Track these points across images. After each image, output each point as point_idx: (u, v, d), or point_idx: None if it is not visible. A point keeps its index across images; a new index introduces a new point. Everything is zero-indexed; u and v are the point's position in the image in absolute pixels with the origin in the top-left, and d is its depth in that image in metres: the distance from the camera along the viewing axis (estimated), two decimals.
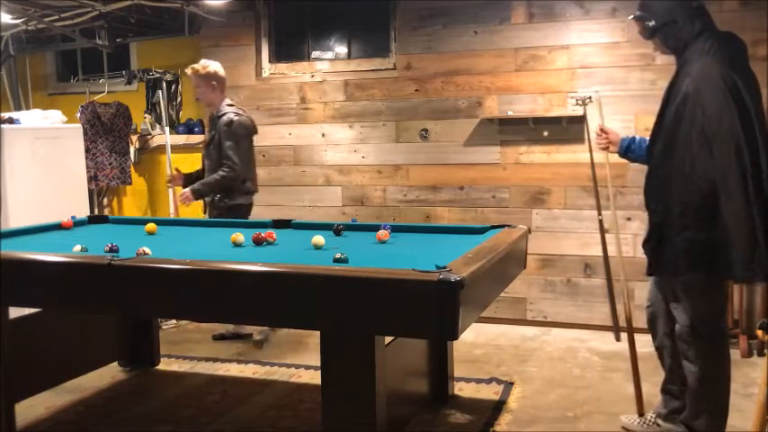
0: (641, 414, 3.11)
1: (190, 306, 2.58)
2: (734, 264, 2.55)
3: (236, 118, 4.35)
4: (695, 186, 2.60)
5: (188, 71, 4.46)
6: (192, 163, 5.91)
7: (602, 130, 3.15)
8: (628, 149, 3.05)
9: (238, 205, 4.40)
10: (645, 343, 3.76)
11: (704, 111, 2.58)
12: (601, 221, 3.43)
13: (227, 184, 4.34)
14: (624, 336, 3.41)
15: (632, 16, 2.86)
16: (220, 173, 4.30)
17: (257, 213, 5.38)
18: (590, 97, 3.51)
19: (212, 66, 4.46)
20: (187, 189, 4.36)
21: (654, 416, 3.03)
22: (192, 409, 3.43)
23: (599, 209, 3.45)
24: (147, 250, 2.76)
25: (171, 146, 5.64)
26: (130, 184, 5.99)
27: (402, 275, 2.23)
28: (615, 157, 3.17)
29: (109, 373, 3.91)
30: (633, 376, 3.18)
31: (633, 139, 3.06)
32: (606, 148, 3.14)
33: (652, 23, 2.74)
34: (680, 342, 2.84)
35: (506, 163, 4.92)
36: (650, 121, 2.87)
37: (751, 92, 2.61)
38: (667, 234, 2.68)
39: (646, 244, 2.79)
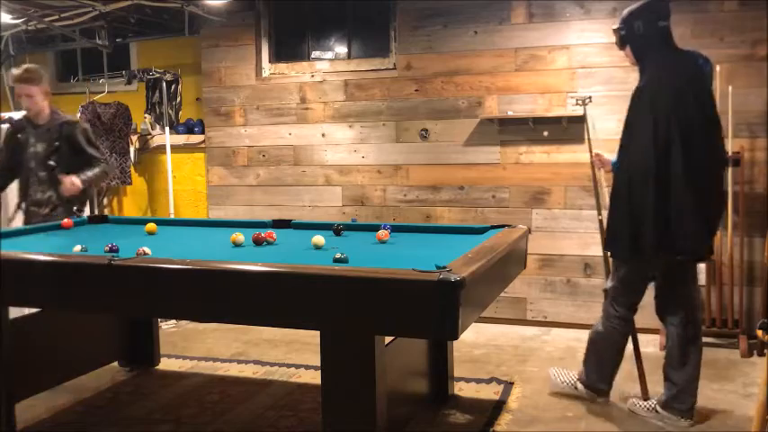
0: (646, 398, 3.27)
1: (190, 306, 2.58)
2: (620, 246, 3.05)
3: (84, 124, 4.34)
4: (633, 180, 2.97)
5: (16, 77, 4.07)
6: (193, 163, 5.94)
7: (596, 155, 3.49)
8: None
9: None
10: (645, 343, 3.76)
11: (641, 113, 2.95)
12: (601, 221, 3.47)
13: (105, 179, 4.24)
14: None
15: (614, 27, 3.16)
16: (102, 166, 4.15)
17: (258, 213, 5.40)
18: (590, 97, 3.58)
19: (42, 71, 4.17)
20: (75, 176, 4.00)
21: (655, 402, 3.19)
22: (192, 409, 3.43)
23: (599, 209, 3.47)
24: (147, 250, 2.76)
25: (171, 146, 5.65)
26: (130, 184, 5.99)
27: (402, 275, 2.23)
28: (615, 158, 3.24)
29: (109, 373, 3.90)
30: (636, 362, 3.32)
31: None
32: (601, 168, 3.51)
33: (623, 33, 3.09)
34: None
35: (506, 163, 4.92)
36: None
37: (701, 100, 2.92)
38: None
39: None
